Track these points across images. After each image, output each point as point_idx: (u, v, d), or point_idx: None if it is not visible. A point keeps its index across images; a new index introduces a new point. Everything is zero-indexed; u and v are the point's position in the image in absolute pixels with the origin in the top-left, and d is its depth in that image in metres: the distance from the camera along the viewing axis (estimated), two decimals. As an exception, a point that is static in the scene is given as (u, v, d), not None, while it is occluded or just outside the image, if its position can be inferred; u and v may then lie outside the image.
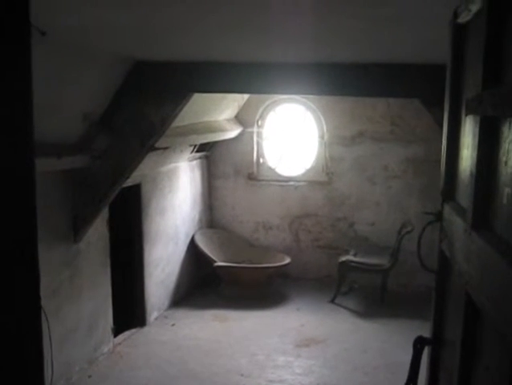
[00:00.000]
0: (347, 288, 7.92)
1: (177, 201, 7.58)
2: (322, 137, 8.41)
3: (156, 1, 2.77)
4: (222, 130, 7.78)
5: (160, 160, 6.63)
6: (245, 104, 8.43)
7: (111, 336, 6.09)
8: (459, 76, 2.18)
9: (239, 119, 8.52)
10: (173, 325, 6.85)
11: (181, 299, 7.65)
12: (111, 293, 6.02)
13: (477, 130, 1.67)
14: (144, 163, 5.58)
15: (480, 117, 1.65)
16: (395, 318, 7.04)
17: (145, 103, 5.12)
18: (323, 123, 8.35)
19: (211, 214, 8.86)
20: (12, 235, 1.25)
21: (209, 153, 8.63)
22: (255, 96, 8.25)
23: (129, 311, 6.62)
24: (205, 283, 8.16)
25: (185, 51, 4.56)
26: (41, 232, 1.31)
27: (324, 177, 8.43)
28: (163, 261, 7.16)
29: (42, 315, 1.43)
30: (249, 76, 5.10)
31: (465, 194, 1.91)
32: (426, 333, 2.53)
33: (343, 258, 7.57)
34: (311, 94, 6.74)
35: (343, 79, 5.01)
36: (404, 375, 2.72)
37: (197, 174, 8.35)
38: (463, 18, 2.05)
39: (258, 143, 8.68)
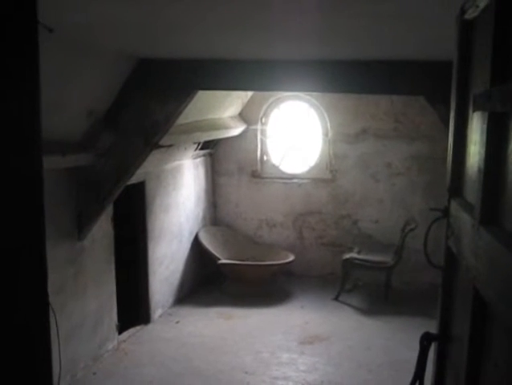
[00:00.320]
0: (351, 285, 7.92)
1: (181, 199, 7.59)
2: (325, 134, 8.41)
3: (161, -2, 2.78)
4: (226, 127, 7.78)
5: (165, 157, 6.64)
6: (248, 102, 8.43)
7: (116, 333, 6.10)
8: (466, 73, 2.17)
9: (243, 116, 8.52)
10: (178, 322, 6.86)
11: (185, 296, 7.66)
12: (116, 291, 6.04)
13: (485, 126, 1.67)
14: (148, 160, 5.58)
15: (488, 113, 1.64)
16: (399, 315, 7.04)
17: (149, 101, 5.12)
18: (327, 120, 8.34)
19: (215, 212, 8.87)
20: (21, 233, 1.25)
21: (213, 151, 8.64)
22: (259, 94, 8.25)
23: (133, 308, 6.63)
24: (209, 280, 8.17)
25: (189, 49, 4.56)
26: (46, 229, 1.31)
27: (328, 175, 8.43)
28: (167, 259, 7.16)
29: (50, 312, 1.43)
30: (253, 73, 5.09)
31: (472, 190, 1.91)
32: (430, 330, 2.53)
33: (347, 256, 7.57)
34: (315, 91, 6.75)
35: (346, 76, 5.00)
36: (408, 373, 2.72)
37: (201, 171, 8.35)
38: (470, 14, 2.04)
39: (261, 141, 8.68)
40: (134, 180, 5.88)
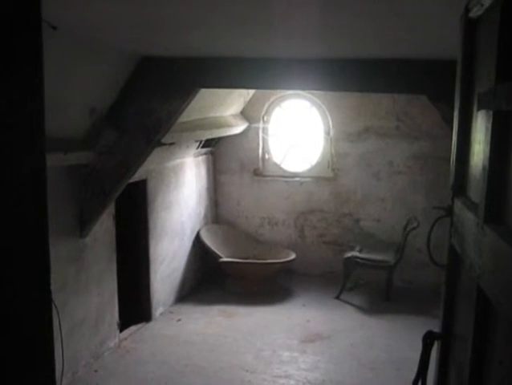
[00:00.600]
0: (353, 284, 7.92)
1: (183, 197, 7.59)
2: (327, 133, 8.40)
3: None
4: (228, 125, 7.77)
5: (166, 155, 6.64)
6: (250, 100, 8.42)
7: (117, 331, 6.11)
8: (470, 71, 2.17)
9: (245, 114, 8.52)
10: (179, 320, 6.86)
11: (187, 295, 7.67)
12: (117, 288, 6.04)
13: (489, 125, 1.67)
14: (150, 158, 5.58)
15: (493, 112, 1.64)
16: (400, 314, 7.04)
17: (152, 99, 5.12)
18: (329, 118, 8.34)
19: (216, 210, 8.87)
20: (24, 230, 1.25)
21: (215, 149, 8.63)
22: (261, 92, 8.25)
23: (135, 306, 6.64)
24: (211, 279, 8.17)
25: (192, 47, 4.55)
26: (48, 227, 1.31)
27: (330, 173, 8.43)
28: (168, 257, 7.17)
29: (53, 309, 1.43)
30: (255, 71, 5.09)
31: (476, 189, 1.90)
32: (432, 329, 2.52)
33: (349, 254, 7.57)
34: (317, 89, 6.74)
35: (348, 75, 4.99)
36: (410, 371, 2.72)
37: (203, 169, 8.35)
38: (475, 13, 2.04)
39: (263, 139, 8.68)
40: (136, 177, 5.88)
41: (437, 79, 4.72)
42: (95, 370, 5.51)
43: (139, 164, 5.32)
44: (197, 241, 8.00)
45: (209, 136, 7.52)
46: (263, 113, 8.60)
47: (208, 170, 8.55)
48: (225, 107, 7.59)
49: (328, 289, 7.83)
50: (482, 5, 1.89)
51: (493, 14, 1.70)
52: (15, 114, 1.19)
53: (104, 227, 5.72)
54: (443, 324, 2.41)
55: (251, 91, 8.19)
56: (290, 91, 8.23)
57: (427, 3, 2.77)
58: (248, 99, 8.36)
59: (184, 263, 7.68)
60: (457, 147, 2.29)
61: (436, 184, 7.70)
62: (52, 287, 1.31)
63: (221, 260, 7.72)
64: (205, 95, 5.93)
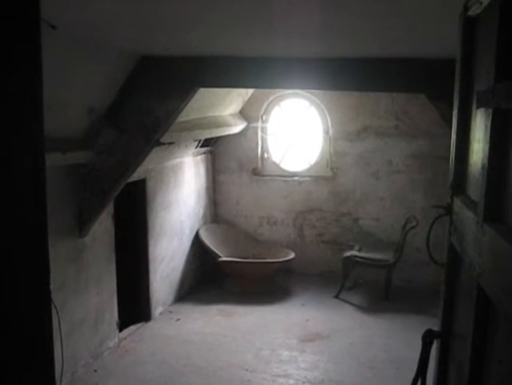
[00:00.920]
0: (352, 283, 7.92)
1: (182, 196, 7.59)
2: (326, 132, 8.40)
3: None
4: (227, 125, 7.77)
5: (165, 154, 6.64)
6: (249, 99, 8.42)
7: (117, 331, 6.11)
8: (469, 69, 2.17)
9: (243, 114, 8.52)
10: (178, 320, 6.86)
11: (186, 294, 7.67)
12: (117, 288, 6.04)
13: (488, 123, 1.67)
14: (149, 158, 5.58)
15: (492, 110, 1.64)
16: (400, 313, 7.04)
17: (150, 98, 5.12)
18: (328, 118, 8.34)
19: (215, 209, 8.87)
20: (23, 230, 1.25)
21: (214, 148, 8.63)
22: (260, 91, 8.25)
23: (134, 306, 6.63)
24: (210, 278, 8.17)
25: (191, 46, 4.55)
26: (48, 227, 1.31)
27: (329, 172, 8.43)
28: (168, 256, 7.16)
29: (53, 309, 1.43)
30: (254, 71, 5.08)
31: (476, 187, 1.90)
32: (432, 328, 2.52)
33: (348, 253, 7.57)
34: (316, 88, 6.74)
35: (347, 74, 4.99)
36: (409, 370, 2.73)
37: (202, 169, 8.35)
38: (474, 11, 2.04)
39: (262, 139, 8.68)
40: (135, 177, 5.88)
41: (436, 78, 4.72)
42: (95, 370, 5.51)
43: (138, 163, 5.32)
44: (196, 241, 8.00)
45: (208, 136, 7.51)
46: (262, 112, 8.60)
47: (207, 169, 8.55)
48: (224, 107, 7.58)
49: (327, 288, 7.83)
50: (481, 3, 1.89)
51: (492, 12, 1.70)
52: (14, 114, 1.19)
53: (103, 227, 5.72)
54: (442, 323, 2.41)
55: (250, 91, 8.19)
56: (289, 91, 8.22)
57: (426, 2, 2.77)
58: (247, 98, 8.36)
59: (183, 263, 7.67)
60: (456, 146, 2.29)
61: (435, 182, 7.71)
62: (51, 287, 1.31)
63: (220, 259, 7.72)
64: (204, 95, 5.93)
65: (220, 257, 7.74)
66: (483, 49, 1.95)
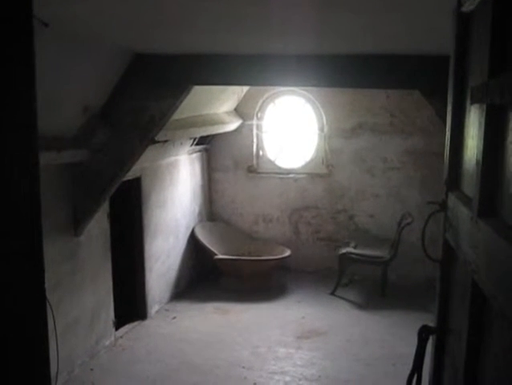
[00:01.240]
0: (348, 280, 7.93)
1: (177, 194, 7.58)
2: (321, 129, 8.40)
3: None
4: (222, 123, 7.77)
5: (160, 153, 6.63)
6: (244, 97, 8.41)
7: (113, 329, 6.10)
8: (463, 65, 2.17)
9: (239, 111, 8.51)
10: (174, 318, 6.86)
11: (182, 292, 7.66)
12: (112, 287, 6.03)
13: (482, 119, 1.67)
14: (144, 156, 5.57)
15: (486, 106, 1.64)
16: (395, 309, 7.06)
17: (145, 96, 5.10)
18: (323, 115, 8.34)
19: (211, 207, 8.86)
20: (17, 228, 1.24)
21: (209, 146, 8.62)
22: (254, 89, 8.24)
23: (130, 304, 6.63)
24: (206, 276, 8.17)
25: (185, 43, 4.54)
26: (42, 225, 1.30)
27: (324, 169, 8.43)
28: (163, 254, 7.16)
29: (48, 307, 1.43)
30: (249, 68, 5.08)
31: (470, 183, 1.91)
32: (427, 324, 2.53)
33: (344, 250, 7.58)
34: (311, 86, 6.74)
35: (342, 71, 4.99)
36: (405, 366, 2.73)
37: (197, 167, 8.34)
38: (467, 7, 2.04)
39: (257, 136, 8.67)
40: (130, 175, 5.87)
41: (430, 75, 4.73)
42: (91, 369, 5.50)
43: (133, 161, 5.31)
44: (192, 239, 8.00)
45: (203, 134, 7.51)
46: (257, 110, 8.59)
47: (202, 167, 8.54)
48: (219, 105, 7.58)
49: (323, 285, 7.84)
50: (475, -1, 1.90)
51: (486, 8, 1.70)
52: (7, 112, 1.18)
53: (99, 225, 5.71)
54: (438, 318, 2.42)
55: (245, 88, 8.18)
56: (284, 88, 8.22)
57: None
58: (242, 96, 8.35)
59: (179, 261, 7.67)
60: (451, 142, 2.29)
61: (430, 179, 7.71)
62: (46, 286, 1.30)
63: (216, 257, 7.72)
64: (199, 92, 5.92)
65: (216, 254, 7.74)
66: (477, 45, 1.95)
